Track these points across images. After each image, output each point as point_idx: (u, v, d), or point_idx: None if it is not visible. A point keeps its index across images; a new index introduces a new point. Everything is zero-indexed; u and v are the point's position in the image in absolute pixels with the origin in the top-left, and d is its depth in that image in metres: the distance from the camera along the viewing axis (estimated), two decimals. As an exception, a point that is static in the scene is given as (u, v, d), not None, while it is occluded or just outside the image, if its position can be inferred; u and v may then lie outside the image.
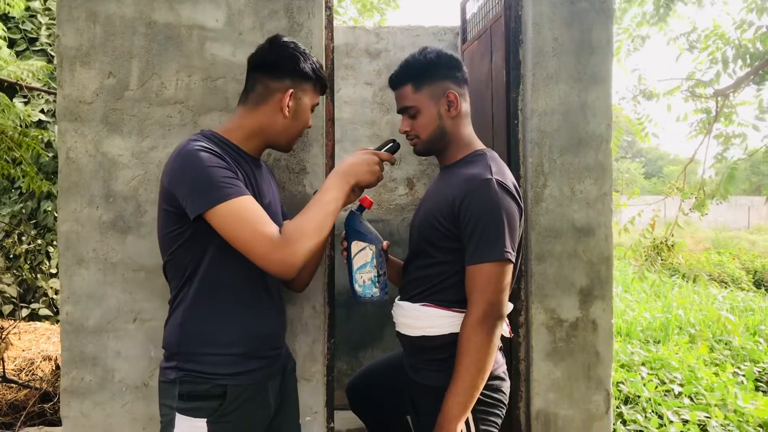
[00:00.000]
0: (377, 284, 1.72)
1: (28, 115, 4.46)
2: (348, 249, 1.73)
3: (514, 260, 1.63)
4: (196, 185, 1.40)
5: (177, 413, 1.46)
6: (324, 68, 1.69)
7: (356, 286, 1.74)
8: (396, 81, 1.79)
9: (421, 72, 1.75)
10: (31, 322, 5.01)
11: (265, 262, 1.40)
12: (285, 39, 1.65)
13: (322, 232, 1.47)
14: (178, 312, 1.52)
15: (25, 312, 5.22)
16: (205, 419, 1.44)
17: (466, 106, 1.80)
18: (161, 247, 1.55)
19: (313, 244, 1.44)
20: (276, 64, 1.60)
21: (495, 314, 1.60)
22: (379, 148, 1.71)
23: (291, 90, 1.59)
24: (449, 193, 1.68)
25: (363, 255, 1.72)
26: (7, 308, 5.23)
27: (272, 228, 1.41)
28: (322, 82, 1.68)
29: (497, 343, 1.67)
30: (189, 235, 1.46)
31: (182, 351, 1.50)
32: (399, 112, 1.82)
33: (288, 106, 1.59)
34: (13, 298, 5.26)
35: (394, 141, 1.74)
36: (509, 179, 1.69)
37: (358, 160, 1.60)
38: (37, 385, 3.72)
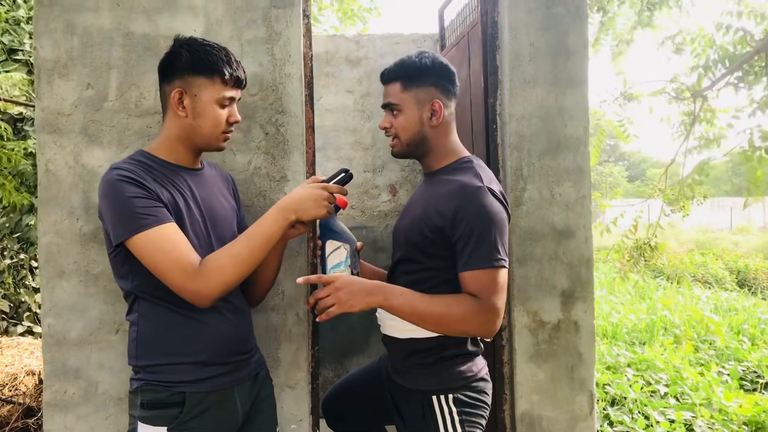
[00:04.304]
0: None
1: (5, 130, 4.40)
2: (322, 248, 1.73)
3: (507, 266, 1.63)
4: (116, 215, 1.43)
5: (139, 422, 1.47)
6: (230, 58, 1.55)
7: None
8: (387, 76, 1.80)
9: (413, 74, 1.76)
10: (14, 338, 4.94)
11: (180, 291, 1.43)
12: (179, 38, 1.57)
13: (243, 266, 1.48)
14: (133, 327, 1.55)
15: (21, 329, 5.12)
16: (165, 427, 1.45)
17: (450, 117, 1.81)
18: (111, 266, 1.56)
19: (231, 278, 1.46)
20: (164, 68, 1.56)
21: (489, 318, 1.58)
22: (331, 179, 1.67)
23: (177, 89, 1.51)
24: (439, 201, 1.68)
25: (337, 254, 1.72)
26: (1, 325, 5.12)
27: (189, 258, 1.42)
28: (221, 72, 1.52)
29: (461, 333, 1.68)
30: (125, 254, 1.47)
31: (141, 364, 1.52)
32: (383, 107, 1.83)
33: (183, 106, 1.53)
34: (5, 313, 5.18)
35: (346, 171, 1.70)
36: (497, 187, 1.71)
37: (305, 195, 1.56)
38: (21, 401, 3.67)
